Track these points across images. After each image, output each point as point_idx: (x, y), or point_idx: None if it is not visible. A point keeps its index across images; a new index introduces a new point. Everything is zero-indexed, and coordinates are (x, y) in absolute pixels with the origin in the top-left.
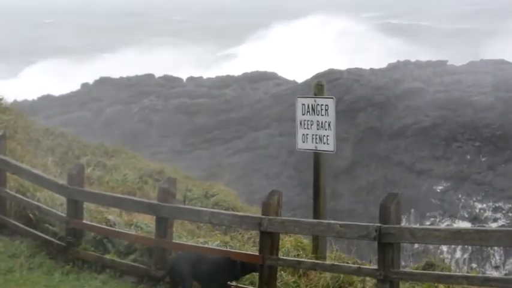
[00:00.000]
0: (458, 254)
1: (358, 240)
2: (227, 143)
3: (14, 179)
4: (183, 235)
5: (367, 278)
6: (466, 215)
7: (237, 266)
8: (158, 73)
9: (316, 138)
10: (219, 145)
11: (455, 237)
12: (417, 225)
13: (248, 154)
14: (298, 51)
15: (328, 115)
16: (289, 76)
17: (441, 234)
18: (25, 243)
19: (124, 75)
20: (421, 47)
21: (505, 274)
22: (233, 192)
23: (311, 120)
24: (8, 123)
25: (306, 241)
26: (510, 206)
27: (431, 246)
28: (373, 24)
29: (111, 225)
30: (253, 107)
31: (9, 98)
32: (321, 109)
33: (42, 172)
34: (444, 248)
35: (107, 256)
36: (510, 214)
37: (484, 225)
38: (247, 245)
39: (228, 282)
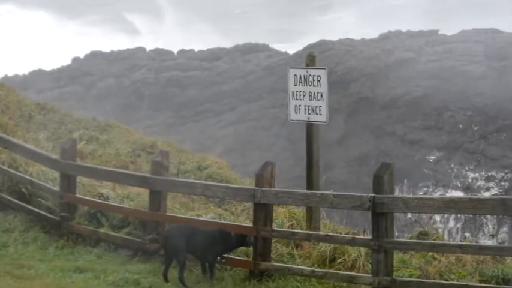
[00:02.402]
0: (451, 224)
1: (351, 211)
2: (219, 116)
3: (6, 154)
4: (177, 208)
5: (361, 248)
6: (459, 185)
7: (231, 238)
8: (149, 46)
9: (308, 109)
10: (211, 118)
11: (448, 206)
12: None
13: (240, 126)
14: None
15: (320, 86)
16: (280, 47)
17: (435, 204)
18: (19, 218)
19: (115, 49)
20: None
21: (499, 243)
22: (226, 165)
23: (303, 91)
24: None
25: (300, 212)
26: (502, 175)
27: (424, 217)
28: None
29: (104, 199)
30: (245, 79)
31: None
32: (313, 80)
33: (34, 147)
34: (437, 217)
35: (101, 230)
36: (502, 183)
37: (477, 194)
38: (241, 217)
39: (223, 255)
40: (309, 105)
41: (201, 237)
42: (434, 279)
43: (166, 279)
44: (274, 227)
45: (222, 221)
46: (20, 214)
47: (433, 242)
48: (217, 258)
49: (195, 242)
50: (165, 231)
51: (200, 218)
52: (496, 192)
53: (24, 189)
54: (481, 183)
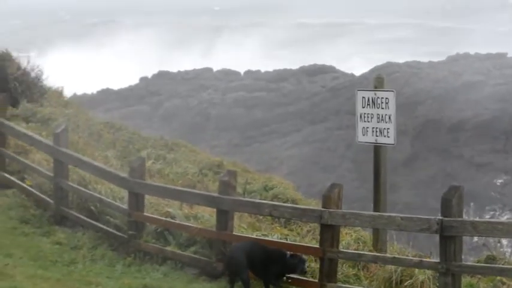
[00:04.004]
0: None
1: (416, 234)
2: (285, 137)
3: (76, 172)
4: (243, 228)
5: (428, 271)
6: None
7: (285, 259)
8: (216, 67)
9: (376, 131)
10: (276, 138)
11: None
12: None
13: (306, 147)
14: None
15: (388, 108)
16: (346, 69)
17: (504, 228)
18: (87, 235)
19: (182, 69)
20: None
21: None
22: (291, 185)
23: (371, 113)
24: (69, 117)
25: (366, 234)
26: None
27: (491, 240)
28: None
29: (171, 218)
30: (311, 100)
31: (69, 92)
32: (381, 102)
33: (103, 165)
34: (504, 241)
35: (168, 248)
36: None
37: None
38: (307, 238)
39: (282, 275)
40: (376, 127)
41: (259, 254)
42: None
43: None
44: (341, 248)
45: (289, 241)
46: (88, 231)
47: (502, 266)
48: (275, 277)
49: (254, 259)
50: (228, 250)
51: (266, 238)
52: None
53: (93, 207)
54: None
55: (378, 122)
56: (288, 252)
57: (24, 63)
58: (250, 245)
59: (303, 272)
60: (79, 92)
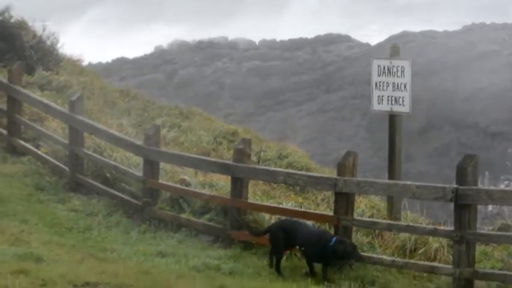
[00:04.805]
0: None
1: (429, 203)
2: (300, 105)
3: (92, 139)
4: (258, 195)
5: (442, 239)
6: None
7: (328, 245)
8: (231, 36)
9: (391, 100)
10: (291, 107)
11: None
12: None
13: (321, 116)
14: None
15: (404, 76)
16: (362, 38)
17: None
18: (102, 202)
19: (197, 38)
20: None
21: None
22: (306, 154)
23: (387, 82)
24: (85, 85)
25: (380, 203)
26: None
27: (505, 210)
28: None
29: (186, 185)
30: (326, 70)
31: (85, 61)
32: (397, 71)
33: (118, 133)
34: None
35: (183, 215)
36: None
37: None
38: (321, 207)
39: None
40: (392, 96)
41: (300, 234)
42: None
43: (278, 272)
44: (355, 216)
45: (303, 209)
46: (103, 198)
47: None
48: (316, 260)
49: (294, 238)
50: (271, 225)
51: (281, 206)
52: None
53: (108, 174)
54: None
55: (393, 90)
56: (335, 237)
57: (40, 31)
58: (291, 223)
59: (357, 258)
60: (94, 61)
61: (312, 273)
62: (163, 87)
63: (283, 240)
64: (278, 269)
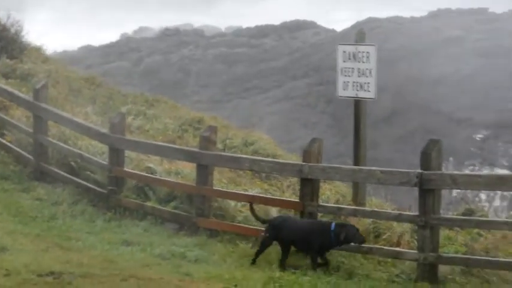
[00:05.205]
0: (497, 203)
1: (394, 189)
2: (266, 92)
3: (56, 128)
4: (224, 183)
5: (407, 225)
6: (506, 163)
7: (329, 231)
8: (197, 23)
9: (357, 86)
10: (257, 94)
11: (497, 183)
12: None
13: (287, 103)
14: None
15: (369, 62)
16: (328, 25)
17: (483, 181)
18: (67, 191)
19: (163, 26)
20: None
21: None
22: (272, 141)
23: (352, 68)
24: (49, 73)
25: (346, 189)
26: None
27: (469, 195)
28: None
29: (151, 173)
30: (292, 56)
31: (49, 49)
32: (362, 56)
33: (83, 121)
34: (483, 196)
35: (148, 203)
36: None
37: None
38: (287, 193)
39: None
40: (357, 82)
41: (299, 228)
42: (480, 256)
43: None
44: (320, 202)
45: (269, 196)
46: (68, 187)
47: (479, 218)
48: (317, 251)
49: (289, 234)
50: (272, 218)
51: (246, 193)
52: None
53: (73, 163)
54: None
55: (358, 76)
56: (334, 223)
57: (4, 19)
58: (281, 220)
59: (361, 241)
60: (60, 49)
61: (316, 267)
62: (129, 75)
63: (271, 237)
64: (257, 257)
